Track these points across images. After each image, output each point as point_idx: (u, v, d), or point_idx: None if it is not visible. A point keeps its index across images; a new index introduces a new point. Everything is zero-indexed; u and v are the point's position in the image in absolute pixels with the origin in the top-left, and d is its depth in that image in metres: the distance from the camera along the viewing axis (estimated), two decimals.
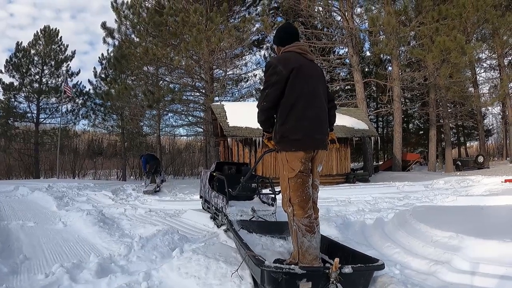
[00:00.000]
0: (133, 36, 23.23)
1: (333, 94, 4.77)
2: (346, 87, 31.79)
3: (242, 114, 16.53)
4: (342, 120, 17.50)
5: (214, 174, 7.63)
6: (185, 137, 36.27)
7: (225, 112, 17.11)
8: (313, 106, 3.75)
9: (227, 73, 24.56)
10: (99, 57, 32.17)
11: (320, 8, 24.37)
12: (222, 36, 19.52)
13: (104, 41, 23.75)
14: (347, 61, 26.71)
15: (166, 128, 30.72)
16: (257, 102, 3.98)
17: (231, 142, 16.41)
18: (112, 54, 25.97)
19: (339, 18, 24.30)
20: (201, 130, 28.43)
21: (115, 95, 22.75)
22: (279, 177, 3.93)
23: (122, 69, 23.44)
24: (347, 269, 3.16)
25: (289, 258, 3.93)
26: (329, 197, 11.56)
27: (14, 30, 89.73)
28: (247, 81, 28.23)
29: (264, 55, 28.86)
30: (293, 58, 3.80)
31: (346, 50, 24.75)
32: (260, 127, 4.11)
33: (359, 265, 3.34)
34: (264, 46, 28.03)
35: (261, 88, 3.99)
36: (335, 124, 4.41)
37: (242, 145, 16.69)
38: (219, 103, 18.76)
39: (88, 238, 6.34)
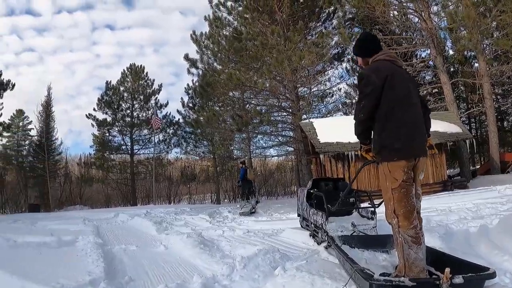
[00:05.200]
0: (215, 64, 24.02)
1: (424, 98, 4.75)
2: (433, 91, 30.55)
3: (332, 130, 16.39)
4: (434, 125, 16.48)
5: (311, 191, 7.58)
6: (276, 158, 36.53)
7: (315, 129, 16.97)
8: (409, 113, 3.68)
9: (312, 90, 24.53)
10: (185, 88, 33.67)
11: (396, 13, 23.78)
12: (302, 54, 19.56)
13: (189, 72, 24.86)
14: (431, 63, 25.74)
15: (257, 150, 31.08)
16: (353, 115, 3.98)
17: (323, 159, 16.24)
18: (197, 83, 26.95)
19: (416, 19, 23.53)
20: (291, 149, 28.44)
21: (204, 122, 23.51)
22: (381, 189, 3.85)
23: (209, 96, 24.22)
24: (458, 279, 3.01)
25: (395, 271, 3.84)
26: (428, 206, 11.04)
27: (101, 69, 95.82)
28: (332, 96, 28.05)
29: (346, 67, 28.51)
30: (384, 66, 3.77)
31: (428, 52, 23.89)
32: (357, 140, 4.07)
33: (470, 274, 3.17)
34: (345, 59, 27.57)
35: (356, 100, 3.99)
36: None
37: (335, 160, 16.40)
38: (307, 120, 18.72)
39: (189, 259, 6.42)
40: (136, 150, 35.60)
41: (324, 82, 26.46)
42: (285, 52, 19.51)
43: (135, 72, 35.46)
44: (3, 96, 28.15)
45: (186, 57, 24.30)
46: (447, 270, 3.01)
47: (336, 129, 15.98)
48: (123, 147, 35.38)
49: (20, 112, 40.10)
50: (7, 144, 38.13)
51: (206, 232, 9.45)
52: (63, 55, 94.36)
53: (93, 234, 9.56)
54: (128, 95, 35.30)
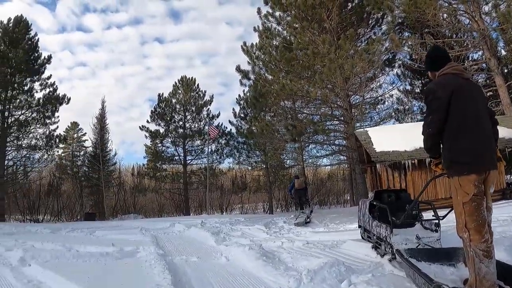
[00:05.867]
0: (266, 74, 24.10)
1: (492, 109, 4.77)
2: (488, 94, 29.40)
3: (387, 138, 16.10)
4: None
5: (374, 203, 7.49)
6: (328, 167, 36.26)
7: (370, 138, 16.67)
8: (478, 126, 3.67)
9: (365, 98, 24.19)
10: (236, 98, 33.90)
11: (445, 15, 23.12)
12: (354, 61, 19.35)
13: (241, 83, 25.22)
14: (484, 65, 24.87)
15: (309, 160, 31.08)
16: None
17: (380, 168, 15.90)
18: (249, 94, 27.20)
19: (467, 21, 22.77)
20: (344, 157, 28.17)
21: (257, 132, 23.65)
22: (453, 202, 3.84)
23: (261, 107, 24.36)
24: None
25: (465, 286, 3.82)
26: None
27: (152, 81, 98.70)
28: (384, 102, 27.51)
29: (397, 73, 28.04)
30: (450, 80, 3.78)
31: (480, 53, 23.09)
32: (427, 154, 4.13)
33: None
34: (396, 64, 27.00)
35: (424, 115, 4.02)
36: None
37: (391, 170, 15.99)
38: (362, 129, 18.48)
39: (253, 272, 6.42)
40: (189, 161, 36.12)
41: (375, 88, 26.10)
42: (336, 61, 19.32)
43: (187, 84, 36.14)
44: (59, 110, 29.44)
45: (238, 68, 24.68)
46: None
47: (391, 137, 15.75)
48: (176, 157, 35.96)
49: (74, 124, 42.08)
50: (62, 154, 39.70)
51: (265, 244, 9.41)
52: (115, 68, 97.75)
53: (153, 245, 9.78)
54: (180, 107, 35.93)
